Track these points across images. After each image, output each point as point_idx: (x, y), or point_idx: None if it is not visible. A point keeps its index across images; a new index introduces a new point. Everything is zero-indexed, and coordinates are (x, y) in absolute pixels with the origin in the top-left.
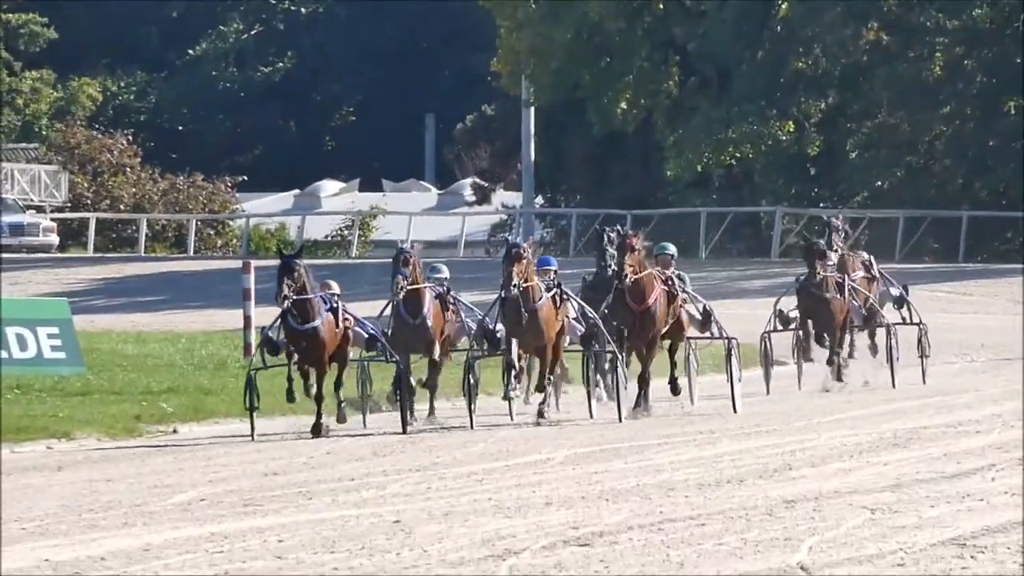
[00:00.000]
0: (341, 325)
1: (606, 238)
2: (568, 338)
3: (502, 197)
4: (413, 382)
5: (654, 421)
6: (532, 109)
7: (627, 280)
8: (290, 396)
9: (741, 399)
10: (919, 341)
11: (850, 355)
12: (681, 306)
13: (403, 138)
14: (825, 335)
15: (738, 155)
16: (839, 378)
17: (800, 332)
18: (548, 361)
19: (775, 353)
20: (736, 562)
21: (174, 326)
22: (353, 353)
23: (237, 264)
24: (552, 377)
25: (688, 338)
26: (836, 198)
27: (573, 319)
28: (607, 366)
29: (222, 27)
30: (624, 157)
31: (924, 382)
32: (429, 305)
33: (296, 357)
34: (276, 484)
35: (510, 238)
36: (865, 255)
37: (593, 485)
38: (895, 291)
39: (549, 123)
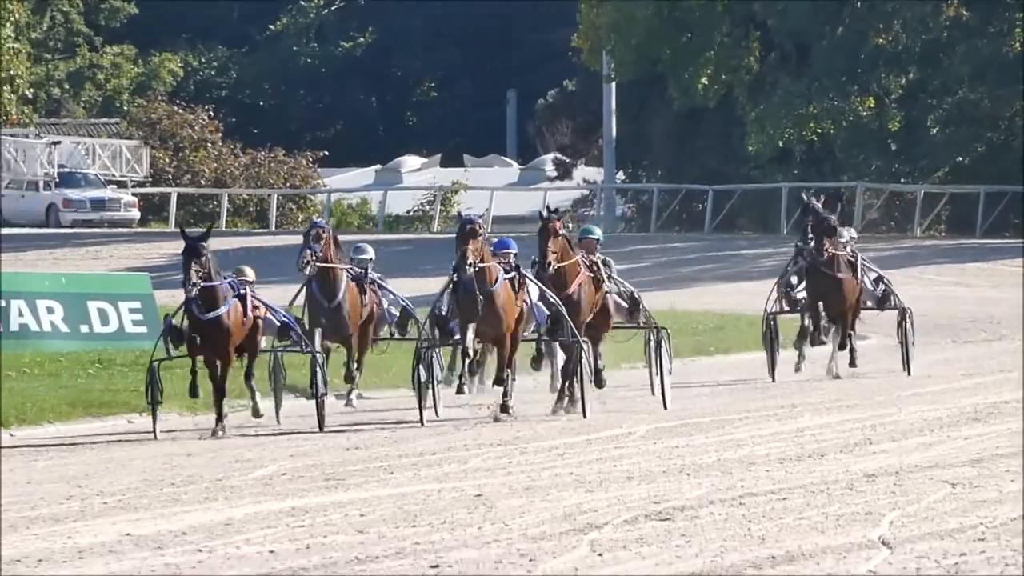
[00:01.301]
0: (251, 314)
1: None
2: (532, 325)
3: (583, 172)
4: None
5: (736, 395)
6: (613, 84)
7: (550, 268)
8: (193, 391)
9: (670, 392)
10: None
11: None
12: (607, 293)
13: (484, 113)
14: (837, 318)
15: (819, 130)
16: (853, 363)
17: (809, 315)
18: (507, 351)
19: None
20: (817, 536)
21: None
22: (265, 343)
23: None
24: (510, 369)
25: (614, 326)
26: (916, 173)
27: (537, 301)
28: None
29: (302, 2)
30: (705, 132)
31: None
32: (344, 287)
33: (199, 348)
34: (358, 458)
35: (463, 213)
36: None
37: (674, 459)
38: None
39: (630, 98)
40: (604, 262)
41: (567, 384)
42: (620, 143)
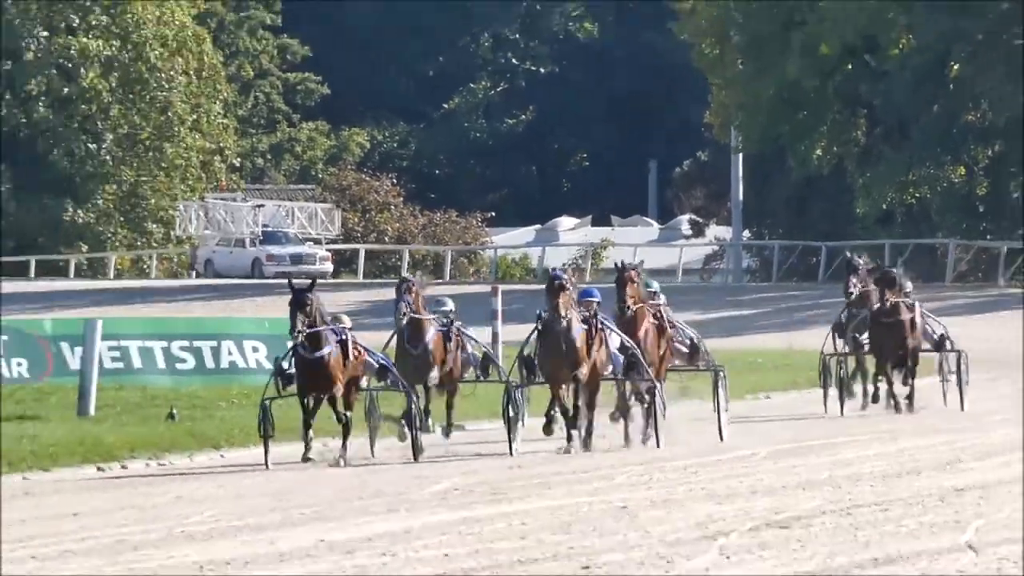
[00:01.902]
0: (351, 354)
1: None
2: (611, 368)
3: (714, 231)
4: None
5: (842, 422)
6: (740, 155)
7: (628, 312)
8: (306, 426)
9: (728, 427)
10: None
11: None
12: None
13: (629, 180)
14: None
15: (917, 195)
16: (910, 401)
17: (859, 357)
18: (587, 394)
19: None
20: (913, 542)
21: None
22: (364, 383)
23: (486, 288)
24: (589, 409)
25: (675, 368)
26: (1001, 232)
27: (616, 349)
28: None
29: (472, 84)
30: (820, 196)
31: (963, 408)
32: (432, 336)
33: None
34: (520, 475)
35: (551, 270)
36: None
37: (792, 476)
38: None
39: (755, 167)
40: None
41: (647, 420)
42: (746, 206)
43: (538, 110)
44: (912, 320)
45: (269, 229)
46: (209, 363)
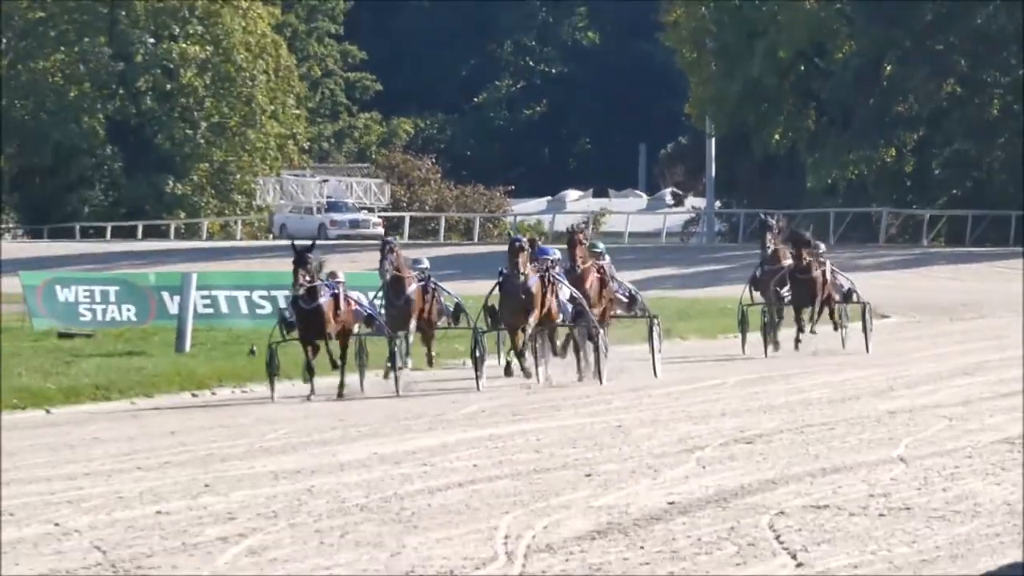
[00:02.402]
0: (343, 306)
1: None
2: (561, 317)
3: (692, 201)
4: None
5: (795, 356)
6: (713, 139)
7: (577, 269)
8: (309, 368)
9: (661, 366)
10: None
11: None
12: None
13: (624, 160)
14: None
15: (856, 172)
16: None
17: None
18: (532, 330)
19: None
20: (855, 455)
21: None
22: (357, 328)
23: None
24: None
25: (616, 316)
26: (924, 201)
27: (567, 300)
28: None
29: (496, 82)
30: (778, 173)
31: (868, 351)
32: (413, 290)
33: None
34: (535, 400)
35: (512, 234)
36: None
37: (755, 401)
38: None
39: (724, 149)
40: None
41: (592, 360)
42: (718, 181)
43: (550, 103)
44: (823, 275)
45: (332, 199)
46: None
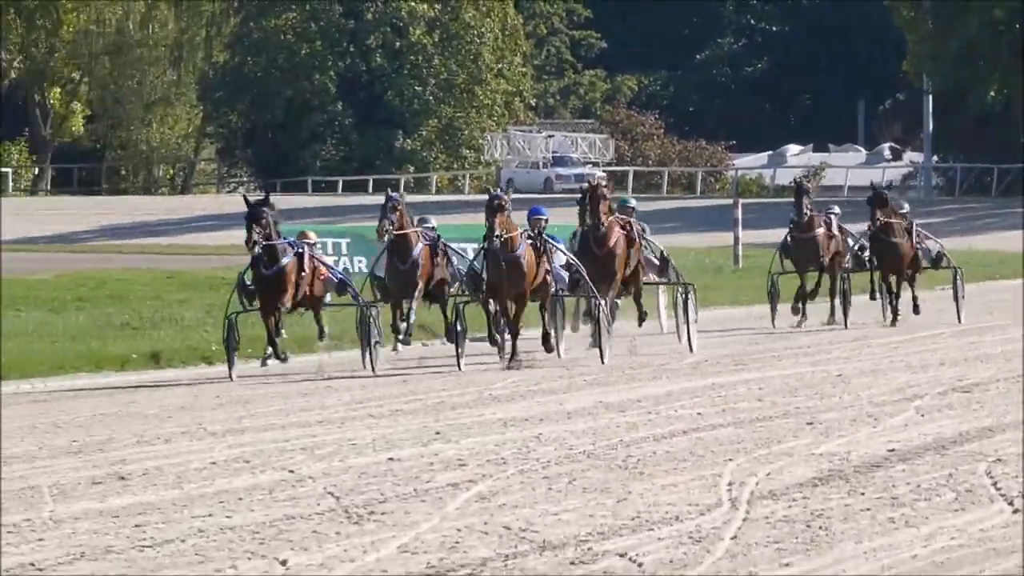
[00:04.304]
0: (307, 267)
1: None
2: (556, 285)
3: (910, 156)
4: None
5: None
6: (930, 96)
7: (602, 228)
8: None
9: (696, 338)
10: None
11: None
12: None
13: (843, 115)
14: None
15: None
16: (916, 310)
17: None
18: (524, 306)
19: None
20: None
21: (685, 243)
22: (330, 298)
23: (729, 201)
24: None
25: (646, 283)
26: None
27: (561, 267)
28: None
29: (719, 40)
30: (993, 128)
31: (960, 320)
32: (420, 250)
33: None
34: (757, 350)
35: (491, 189)
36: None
37: (972, 350)
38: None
39: (941, 105)
40: (642, 228)
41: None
42: (935, 136)
43: (771, 60)
44: (908, 240)
45: (558, 154)
46: None
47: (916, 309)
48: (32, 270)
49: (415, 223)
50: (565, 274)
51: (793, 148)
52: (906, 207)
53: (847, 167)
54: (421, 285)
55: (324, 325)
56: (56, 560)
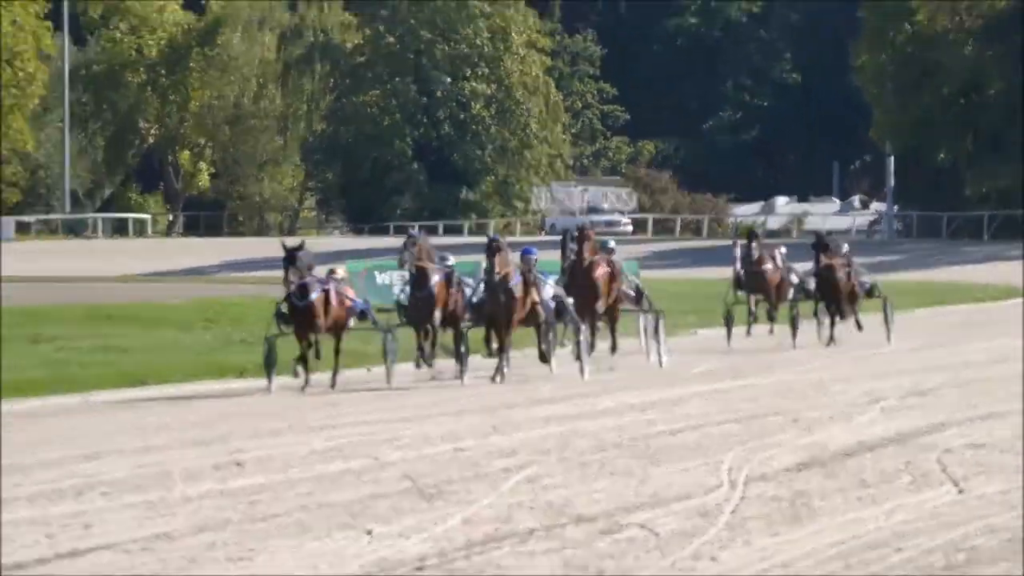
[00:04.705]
0: (333, 302)
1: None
2: (543, 315)
3: (876, 206)
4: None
5: (962, 326)
6: (892, 157)
7: (586, 262)
8: (303, 361)
9: (666, 356)
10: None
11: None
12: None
13: (822, 172)
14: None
15: (1005, 184)
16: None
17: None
18: (512, 330)
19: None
20: (1007, 404)
21: (693, 276)
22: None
23: (728, 242)
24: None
25: (625, 309)
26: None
27: (550, 299)
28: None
29: (721, 112)
30: (944, 183)
31: (890, 341)
32: (436, 281)
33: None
34: (750, 361)
35: (489, 234)
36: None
37: (925, 362)
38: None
39: (901, 164)
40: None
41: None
42: (896, 189)
43: (762, 129)
44: (847, 275)
45: (591, 204)
46: None
47: (859, 326)
48: (168, 298)
49: (436, 259)
50: (552, 304)
51: (781, 199)
52: (845, 248)
53: (824, 214)
54: (438, 312)
55: (341, 347)
56: (185, 531)
